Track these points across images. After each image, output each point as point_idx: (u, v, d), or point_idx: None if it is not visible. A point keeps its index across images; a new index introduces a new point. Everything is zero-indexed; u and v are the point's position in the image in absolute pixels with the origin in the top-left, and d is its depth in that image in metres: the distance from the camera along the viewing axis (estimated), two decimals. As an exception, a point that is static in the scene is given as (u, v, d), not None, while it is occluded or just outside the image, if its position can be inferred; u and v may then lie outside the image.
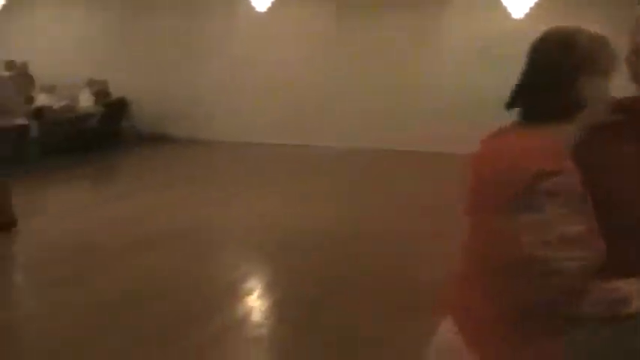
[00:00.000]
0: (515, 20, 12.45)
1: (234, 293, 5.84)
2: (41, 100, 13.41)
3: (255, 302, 5.63)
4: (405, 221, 8.30)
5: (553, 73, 1.93)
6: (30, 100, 12.73)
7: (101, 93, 14.39)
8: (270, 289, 6.07)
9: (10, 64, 12.29)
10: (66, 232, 7.68)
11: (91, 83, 14.60)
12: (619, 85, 2.09)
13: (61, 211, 9.04)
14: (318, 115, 14.29)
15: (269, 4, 13.75)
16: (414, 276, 6.17)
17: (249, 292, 5.91)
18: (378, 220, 8.41)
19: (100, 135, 13.85)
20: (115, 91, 14.52)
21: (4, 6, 13.82)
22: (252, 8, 13.70)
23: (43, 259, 6.68)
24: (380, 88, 13.81)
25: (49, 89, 13.85)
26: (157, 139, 14.82)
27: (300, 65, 14.30)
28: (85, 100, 14.25)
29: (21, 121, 11.41)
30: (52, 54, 15.27)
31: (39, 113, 12.55)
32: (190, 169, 12.34)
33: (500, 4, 12.46)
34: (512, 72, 2.30)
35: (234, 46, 14.66)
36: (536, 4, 12.22)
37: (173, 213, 8.63)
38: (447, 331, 2.04)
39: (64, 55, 15.37)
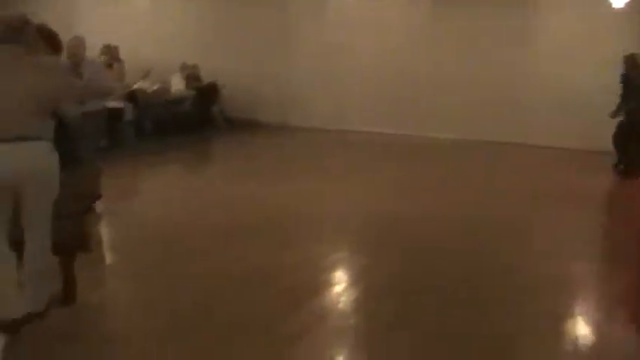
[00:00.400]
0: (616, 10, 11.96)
1: (325, 282, 5.71)
2: (136, 83, 13.64)
3: (345, 293, 5.48)
4: (512, 210, 8.06)
5: None
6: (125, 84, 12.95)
7: (192, 77, 14.54)
8: (361, 279, 5.91)
9: (105, 49, 12.50)
10: (161, 216, 7.68)
11: (183, 68, 14.77)
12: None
13: (156, 194, 9.11)
14: (410, 104, 14.02)
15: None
16: (527, 271, 5.94)
17: (340, 282, 5.77)
18: (483, 211, 8.16)
19: (192, 119, 14.00)
20: (207, 76, 14.63)
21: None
22: None
23: (137, 242, 6.71)
24: (477, 80, 13.45)
25: (144, 73, 14.07)
26: (247, 125, 14.84)
27: (394, 53, 14.02)
28: (177, 84, 14.43)
29: (116, 103, 11.66)
30: (148, 40, 15.50)
31: (133, 96, 12.76)
32: (282, 155, 12.28)
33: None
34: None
35: (326, 33, 14.50)
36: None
37: (265, 200, 8.53)
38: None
39: (159, 40, 15.58)
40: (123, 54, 12.97)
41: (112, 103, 11.57)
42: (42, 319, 4.37)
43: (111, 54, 12.31)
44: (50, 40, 5.21)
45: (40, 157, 4.10)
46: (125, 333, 4.56)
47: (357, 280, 5.83)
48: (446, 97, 13.70)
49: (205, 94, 14.29)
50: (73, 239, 4.63)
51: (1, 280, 4.17)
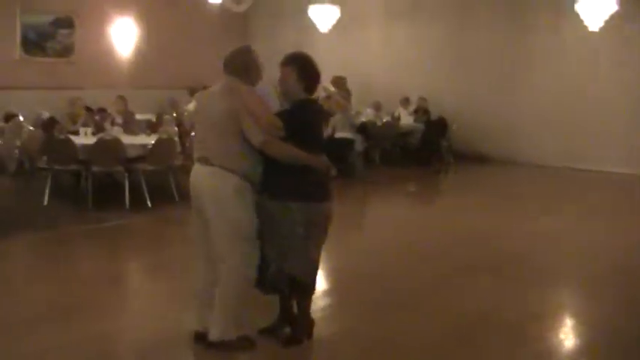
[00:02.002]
0: None
1: (545, 327, 5.26)
2: (366, 115, 13.78)
3: (562, 340, 4.99)
4: None
5: None
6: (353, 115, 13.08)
7: (421, 110, 14.43)
8: (583, 328, 5.34)
9: (337, 81, 12.70)
10: (390, 245, 7.59)
11: (410, 101, 14.73)
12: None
13: (384, 226, 9.01)
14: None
15: (601, 23, 12.35)
16: None
17: (558, 327, 5.32)
18: None
19: (420, 152, 13.86)
20: (434, 109, 14.44)
21: (339, 21, 14.41)
22: (582, 25, 12.46)
23: (365, 274, 6.59)
24: None
25: (375, 105, 14.19)
26: (475, 159, 14.41)
27: (630, 90, 12.90)
28: (406, 118, 14.39)
29: (347, 134, 11.80)
30: (379, 70, 15.63)
31: (363, 128, 12.87)
32: (510, 191, 11.73)
33: None
34: None
35: (561, 65, 13.70)
36: None
37: (491, 237, 8.15)
38: None
39: (390, 71, 15.65)
40: (355, 83, 13.12)
41: (343, 134, 11.76)
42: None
43: (338, 84, 12.52)
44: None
45: (213, 178, 4.28)
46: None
47: (578, 328, 5.23)
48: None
49: (434, 128, 14.08)
50: (309, 274, 4.51)
51: (200, 296, 4.55)
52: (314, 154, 4.36)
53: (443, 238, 8.04)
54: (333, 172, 4.52)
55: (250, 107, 4.26)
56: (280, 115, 4.35)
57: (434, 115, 14.38)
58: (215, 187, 4.31)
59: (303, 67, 4.46)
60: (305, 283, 4.45)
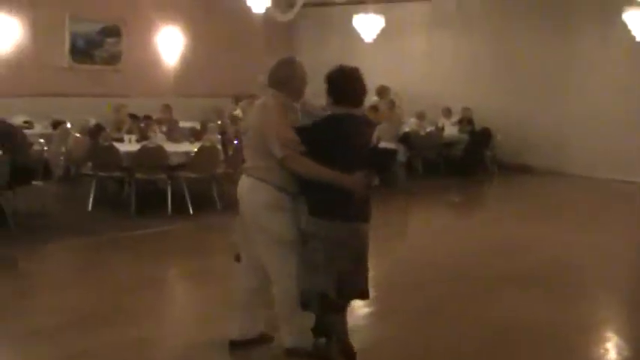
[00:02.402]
0: None
1: (588, 341, 5.15)
2: (410, 124, 13.67)
3: (605, 354, 4.88)
4: None
5: None
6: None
7: (465, 120, 14.28)
8: (627, 342, 5.18)
9: (382, 90, 12.64)
10: (432, 255, 7.56)
11: (452, 112, 14.59)
12: None
13: (426, 236, 8.96)
14: None
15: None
16: None
17: (602, 340, 5.21)
18: None
19: (464, 162, 13.71)
20: (478, 118, 14.28)
21: (384, 30, 14.35)
22: (630, 35, 12.13)
23: (407, 284, 6.53)
24: None
25: (419, 115, 14.06)
26: (519, 170, 14.19)
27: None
28: (450, 128, 14.25)
29: (389, 144, 11.70)
30: (423, 79, 15.50)
31: (406, 138, 12.77)
32: (556, 203, 11.57)
33: None
34: None
35: (608, 75, 13.40)
36: None
37: (535, 247, 8.07)
38: None
39: (434, 81, 15.51)
40: (398, 93, 13.02)
41: (386, 144, 11.66)
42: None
43: (382, 94, 12.48)
44: None
45: (250, 189, 4.37)
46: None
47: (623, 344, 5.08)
48: None
49: (478, 138, 13.92)
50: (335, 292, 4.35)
51: (239, 303, 4.69)
52: (344, 171, 4.22)
53: (485, 248, 7.97)
54: (369, 186, 4.37)
55: (269, 122, 4.28)
56: (301, 130, 4.31)
57: (478, 125, 14.22)
58: (250, 197, 4.38)
59: (329, 82, 4.40)
60: (331, 300, 4.32)
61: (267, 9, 12.87)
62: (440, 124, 14.34)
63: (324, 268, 4.21)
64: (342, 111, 4.35)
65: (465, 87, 15.09)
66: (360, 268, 4.39)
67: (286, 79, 4.43)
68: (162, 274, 6.95)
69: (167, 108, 11.55)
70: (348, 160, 4.28)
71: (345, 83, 4.40)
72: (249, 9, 12.73)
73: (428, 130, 13.68)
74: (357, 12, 14.33)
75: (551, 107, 14.14)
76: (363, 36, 14.50)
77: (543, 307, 5.88)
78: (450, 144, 13.93)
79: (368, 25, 14.22)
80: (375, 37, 14.48)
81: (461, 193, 12.67)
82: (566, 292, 6.38)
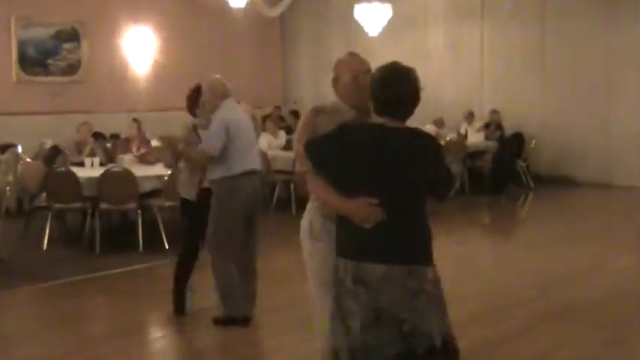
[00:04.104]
0: None
1: None
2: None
3: None
4: None
5: None
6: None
7: (493, 125, 14.23)
8: None
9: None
10: (471, 288, 7.51)
11: (475, 116, 14.59)
12: None
13: (459, 265, 8.78)
14: None
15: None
16: None
17: None
18: None
19: (493, 176, 13.64)
20: (507, 123, 14.22)
21: (391, 22, 14.28)
22: None
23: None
24: None
25: (437, 122, 14.00)
26: (559, 182, 14.24)
27: None
28: (474, 135, 14.18)
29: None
30: (442, 81, 15.44)
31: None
32: (607, 220, 11.56)
33: None
34: None
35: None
36: None
37: (595, 272, 8.12)
38: None
39: (455, 82, 15.46)
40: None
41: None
42: None
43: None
44: None
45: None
46: None
47: None
48: None
49: (509, 146, 13.85)
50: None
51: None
52: (353, 196, 3.72)
53: (531, 277, 7.93)
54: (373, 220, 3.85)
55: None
56: (310, 142, 3.93)
57: (508, 131, 14.14)
58: (302, 222, 4.33)
59: (370, 87, 3.92)
60: None
61: (251, 3, 12.82)
62: (462, 131, 14.27)
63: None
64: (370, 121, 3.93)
65: (491, 87, 15.14)
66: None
67: (334, 78, 4.37)
68: (134, 321, 6.86)
69: (135, 123, 11.45)
70: (362, 182, 3.77)
71: (384, 87, 3.88)
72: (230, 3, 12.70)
73: (448, 138, 13.58)
74: (359, 1, 14.25)
75: (594, 109, 14.08)
76: (366, 29, 14.45)
77: (605, 340, 5.90)
78: (475, 154, 13.88)
79: (372, 16, 14.15)
80: (380, 30, 14.41)
81: (491, 213, 12.70)
82: (629, 322, 6.38)
